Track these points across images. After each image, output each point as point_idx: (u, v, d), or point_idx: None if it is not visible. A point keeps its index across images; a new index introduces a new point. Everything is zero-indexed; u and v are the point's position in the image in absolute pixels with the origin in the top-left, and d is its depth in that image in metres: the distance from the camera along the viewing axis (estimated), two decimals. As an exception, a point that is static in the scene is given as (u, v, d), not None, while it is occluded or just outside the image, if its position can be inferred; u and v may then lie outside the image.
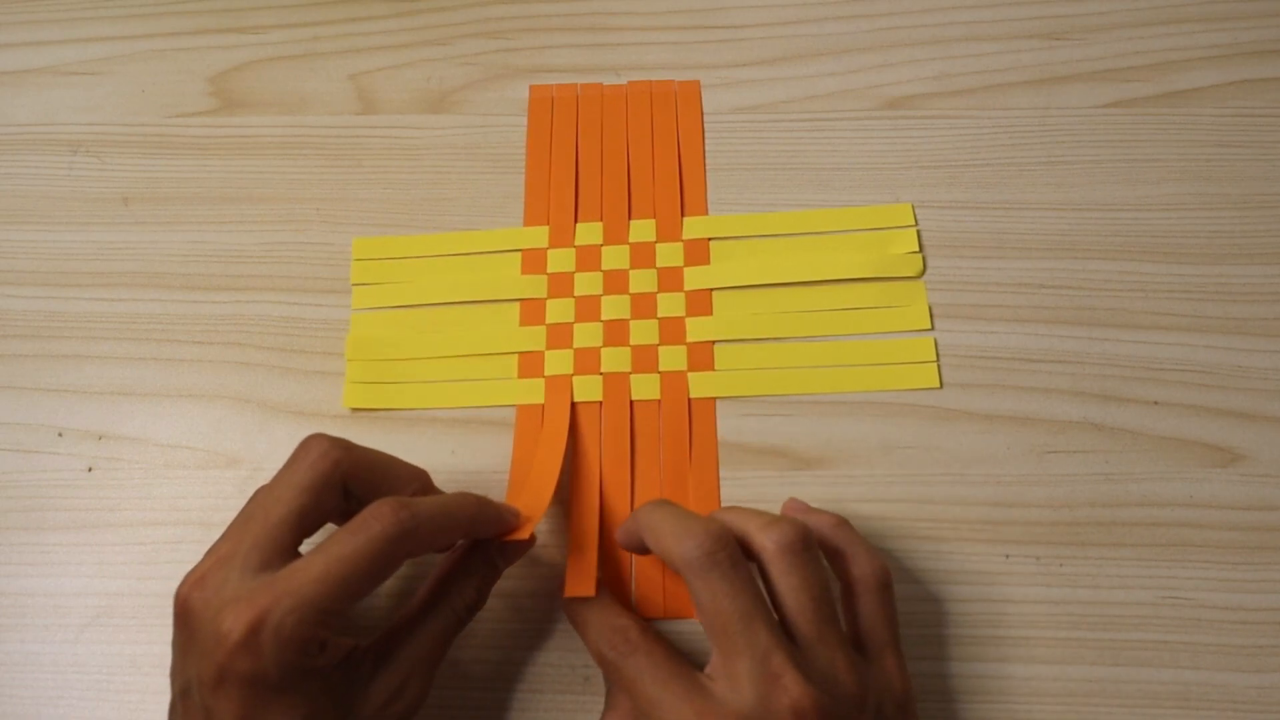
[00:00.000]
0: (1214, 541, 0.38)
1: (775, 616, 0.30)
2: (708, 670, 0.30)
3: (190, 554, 0.37)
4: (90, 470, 0.40)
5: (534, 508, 0.35)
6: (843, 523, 0.35)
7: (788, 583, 0.31)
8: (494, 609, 0.36)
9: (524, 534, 0.34)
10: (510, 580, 0.37)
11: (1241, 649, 0.36)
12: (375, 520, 0.30)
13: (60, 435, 0.40)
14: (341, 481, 0.32)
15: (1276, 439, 0.39)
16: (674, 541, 0.31)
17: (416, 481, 0.34)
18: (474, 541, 0.34)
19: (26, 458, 0.40)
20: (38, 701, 0.36)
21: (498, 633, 0.37)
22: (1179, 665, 0.36)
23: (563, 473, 0.38)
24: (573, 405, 0.40)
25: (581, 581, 0.34)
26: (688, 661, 0.31)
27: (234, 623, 0.27)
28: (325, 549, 0.29)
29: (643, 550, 0.33)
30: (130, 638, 0.37)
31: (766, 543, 0.31)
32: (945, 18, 0.48)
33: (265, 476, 0.38)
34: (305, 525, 0.31)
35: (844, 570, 0.34)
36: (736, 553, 0.31)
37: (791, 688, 0.28)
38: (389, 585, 0.37)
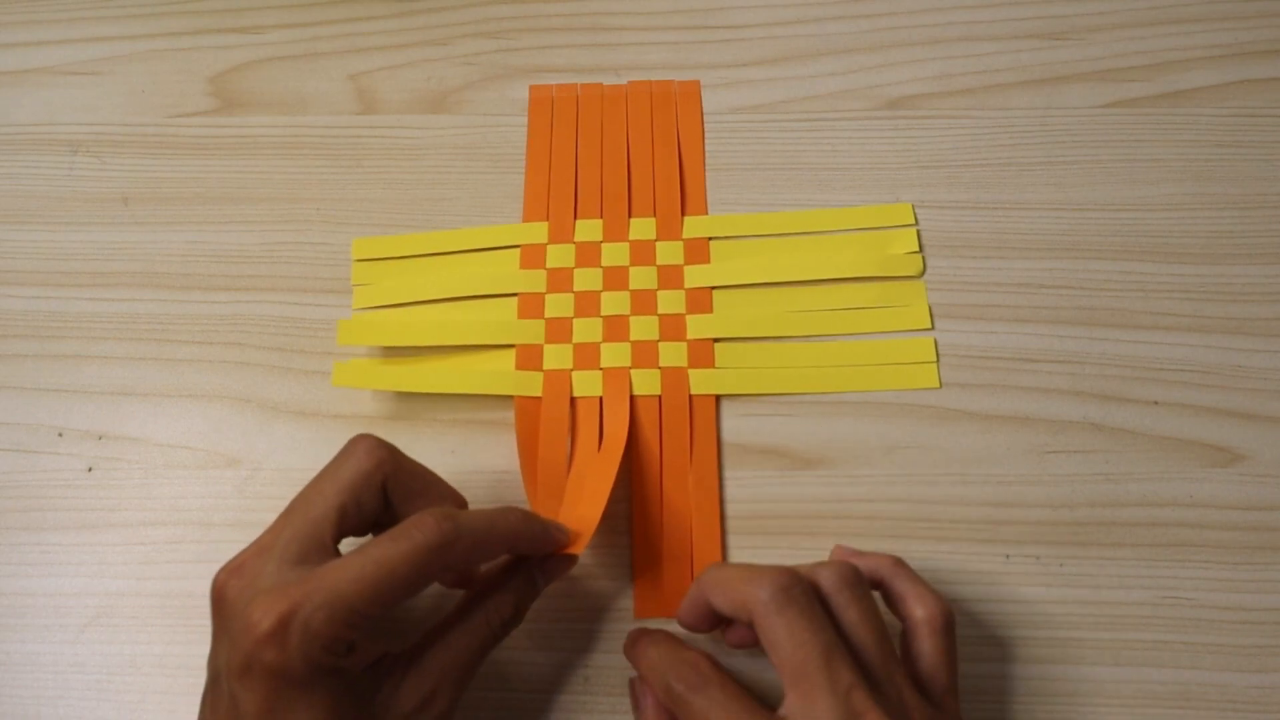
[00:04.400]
0: (1214, 541, 0.38)
1: (851, 655, 0.30)
2: (782, 711, 0.29)
3: (190, 554, 0.38)
4: (90, 470, 0.40)
5: (587, 521, 0.34)
6: (899, 563, 0.34)
7: (850, 617, 0.30)
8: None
9: (577, 549, 0.33)
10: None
11: (1241, 649, 0.36)
12: (417, 529, 0.29)
13: (60, 435, 0.40)
14: (383, 482, 0.32)
15: (1276, 439, 0.39)
16: (746, 585, 0.30)
17: (454, 502, 0.34)
18: (516, 557, 0.34)
19: (26, 458, 0.40)
20: (38, 701, 0.36)
21: (498, 633, 0.37)
22: (1179, 665, 0.36)
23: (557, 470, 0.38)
24: (573, 399, 0.40)
25: (573, 550, 0.33)
26: (759, 700, 0.30)
27: (264, 613, 0.27)
28: (364, 551, 0.29)
29: (707, 621, 0.33)
30: (130, 638, 0.37)
31: (825, 577, 0.31)
32: (945, 18, 0.48)
33: (265, 476, 0.39)
34: (345, 523, 0.31)
35: (906, 612, 0.33)
36: (810, 590, 0.30)
37: None
38: (435, 591, 0.37)
